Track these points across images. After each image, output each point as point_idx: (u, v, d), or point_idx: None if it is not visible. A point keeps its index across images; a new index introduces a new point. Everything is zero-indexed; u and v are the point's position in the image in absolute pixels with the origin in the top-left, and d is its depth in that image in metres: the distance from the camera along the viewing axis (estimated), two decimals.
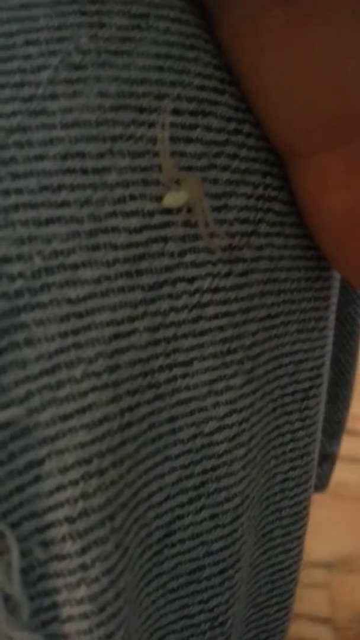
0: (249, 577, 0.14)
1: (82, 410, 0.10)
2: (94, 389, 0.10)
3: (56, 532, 0.09)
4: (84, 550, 0.10)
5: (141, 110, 0.11)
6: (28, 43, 0.10)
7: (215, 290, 0.11)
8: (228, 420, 0.12)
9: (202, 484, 0.12)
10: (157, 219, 0.11)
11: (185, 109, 0.11)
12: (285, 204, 0.12)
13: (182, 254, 0.11)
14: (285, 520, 0.14)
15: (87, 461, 0.10)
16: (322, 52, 0.10)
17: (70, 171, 0.10)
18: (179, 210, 0.11)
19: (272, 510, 0.14)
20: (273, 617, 0.15)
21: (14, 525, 0.09)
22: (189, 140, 0.11)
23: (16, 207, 0.09)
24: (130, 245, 0.10)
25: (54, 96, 0.10)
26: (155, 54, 0.11)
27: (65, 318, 0.10)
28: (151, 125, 0.11)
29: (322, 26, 0.10)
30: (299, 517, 0.14)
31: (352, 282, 0.13)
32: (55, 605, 0.10)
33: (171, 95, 0.11)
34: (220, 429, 0.12)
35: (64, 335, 0.10)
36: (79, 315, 0.10)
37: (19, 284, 0.09)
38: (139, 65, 0.11)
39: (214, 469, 0.12)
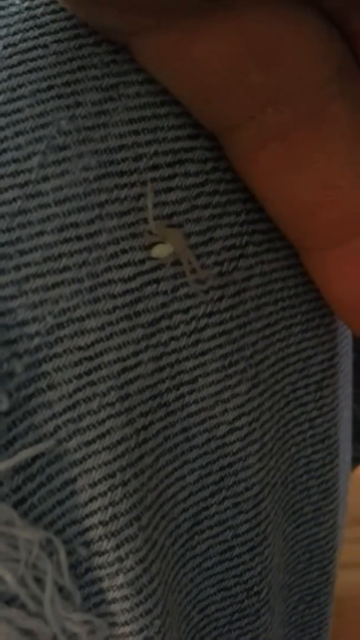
0: (284, 550, 0.16)
1: (102, 436, 0.12)
2: (110, 416, 0.12)
3: (94, 534, 0.12)
4: (118, 546, 0.12)
5: (122, 174, 0.13)
6: (17, 134, 0.12)
7: (210, 314, 0.13)
8: (238, 423, 0.14)
9: (222, 479, 0.14)
10: (148, 264, 0.13)
11: (162, 162, 0.13)
12: (270, 221, 0.14)
13: (174, 289, 0.13)
14: (314, 497, 0.16)
15: (112, 475, 0.12)
16: (317, 175, 0.12)
17: (67, 240, 0.12)
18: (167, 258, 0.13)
19: (300, 490, 0.16)
20: (315, 581, 0.17)
21: (59, 531, 0.12)
22: (169, 190, 0.13)
23: (27, 278, 0.12)
24: (126, 292, 0.13)
25: (45, 178, 0.12)
26: (128, 119, 0.13)
27: (78, 363, 0.12)
28: (133, 185, 0.13)
29: (316, 153, 0.12)
30: (329, 493, 0.16)
31: None
32: (101, 591, 0.12)
33: (147, 154, 0.13)
34: (231, 431, 0.14)
35: (79, 377, 0.12)
36: (90, 359, 0.12)
37: (37, 341, 0.12)
38: (115, 134, 0.13)
39: (230, 465, 0.14)
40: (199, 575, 0.14)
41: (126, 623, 0.12)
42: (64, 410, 0.12)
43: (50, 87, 0.13)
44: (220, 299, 0.14)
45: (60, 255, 0.12)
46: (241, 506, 0.14)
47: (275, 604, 0.16)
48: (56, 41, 0.13)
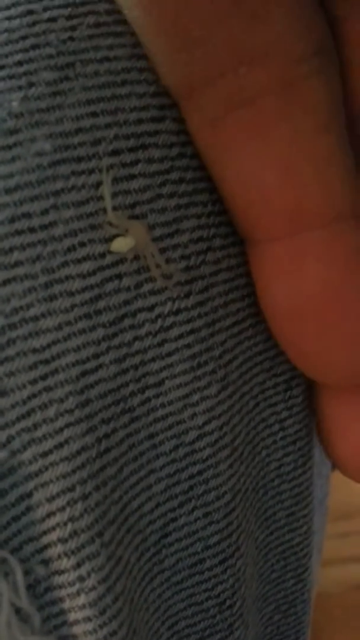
0: (257, 559, 0.16)
1: (59, 446, 0.12)
2: (68, 424, 0.12)
3: (52, 552, 0.11)
4: (78, 565, 0.12)
5: (79, 159, 0.12)
6: None
7: (177, 311, 0.13)
8: (208, 428, 0.13)
9: (191, 487, 0.13)
10: (109, 259, 0.12)
11: (123, 147, 0.12)
12: None
13: (138, 285, 0.12)
14: (287, 502, 0.16)
15: (71, 489, 0.12)
16: (278, 152, 0.12)
17: (19, 232, 0.11)
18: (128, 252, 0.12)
19: (272, 495, 0.15)
20: (291, 590, 0.17)
21: (15, 550, 0.11)
22: (131, 177, 0.12)
23: None
24: (85, 288, 0.12)
25: None
26: (86, 100, 0.12)
27: (33, 366, 0.11)
28: (91, 172, 0.12)
29: (282, 126, 0.11)
30: (302, 497, 0.16)
31: (293, 361, 0.14)
32: (62, 612, 0.12)
33: (107, 137, 0.12)
34: (200, 436, 0.13)
35: (33, 382, 0.11)
36: (46, 362, 0.11)
37: None
38: (72, 116, 0.12)
39: (200, 473, 0.13)
40: (167, 590, 0.14)
41: None
42: (18, 419, 0.11)
43: (0, 67, 0.12)
44: (188, 295, 0.13)
45: (11, 249, 0.11)
46: (212, 516, 0.14)
47: (249, 616, 0.15)
48: (7, 18, 0.12)
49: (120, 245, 0.12)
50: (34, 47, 0.12)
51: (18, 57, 0.12)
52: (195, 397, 0.13)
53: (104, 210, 0.12)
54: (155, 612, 0.14)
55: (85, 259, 0.12)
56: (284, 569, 0.17)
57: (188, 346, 0.13)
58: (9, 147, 0.12)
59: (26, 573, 0.11)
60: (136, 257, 0.12)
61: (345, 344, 0.13)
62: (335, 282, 0.12)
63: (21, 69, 0.12)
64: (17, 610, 0.11)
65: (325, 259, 0.12)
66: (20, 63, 0.12)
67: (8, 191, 0.11)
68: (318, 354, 0.13)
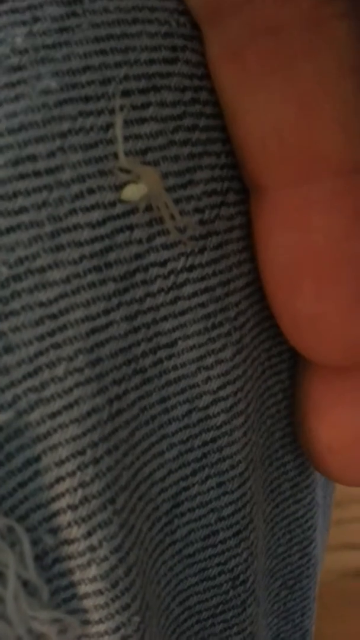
0: (265, 532, 0.15)
1: (69, 406, 0.11)
2: (78, 384, 0.11)
3: (62, 520, 0.11)
4: (89, 533, 0.11)
5: (87, 99, 0.11)
6: None
7: (191, 268, 0.12)
8: (222, 393, 0.13)
9: (204, 455, 0.13)
10: (120, 208, 0.11)
11: (134, 88, 0.12)
12: None
13: (150, 238, 0.12)
14: (291, 473, 0.15)
15: (81, 452, 0.11)
16: (300, 87, 0.11)
17: (23, 176, 0.11)
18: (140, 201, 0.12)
19: (277, 466, 0.15)
20: (297, 564, 0.16)
21: (21, 518, 0.11)
22: (142, 121, 0.12)
23: None
24: (94, 239, 0.11)
25: None
26: (94, 38, 0.11)
27: (39, 321, 0.11)
28: (100, 113, 0.11)
29: (303, 63, 0.11)
30: (304, 468, 0.15)
31: (283, 329, 0.13)
32: (71, 585, 0.11)
33: (117, 77, 0.11)
34: (215, 401, 0.13)
35: (40, 338, 0.11)
36: (53, 317, 0.11)
37: None
38: (79, 53, 0.11)
39: (214, 440, 0.13)
40: (179, 564, 0.13)
41: (100, 621, 0.11)
42: (24, 377, 0.11)
43: (2, 0, 0.11)
44: (202, 251, 0.12)
45: (15, 194, 0.11)
46: (226, 486, 0.13)
47: (260, 593, 0.15)
48: None
49: (133, 192, 0.11)
50: None
51: None
52: (210, 360, 0.13)
53: (114, 154, 0.11)
54: (166, 586, 0.13)
55: (94, 207, 0.11)
56: (289, 542, 0.16)
57: (202, 305, 0.12)
58: (13, 85, 0.11)
59: (33, 543, 0.11)
60: (148, 208, 0.12)
61: (340, 310, 0.12)
62: (341, 239, 0.12)
63: (25, 3, 0.11)
64: (24, 583, 0.11)
65: (333, 212, 0.12)
66: None
67: (11, 131, 0.11)
68: (311, 320, 0.12)
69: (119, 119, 0.11)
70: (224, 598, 0.14)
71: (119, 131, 0.11)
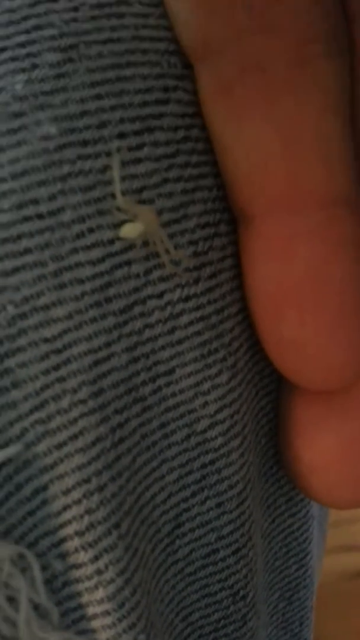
0: (263, 547, 0.16)
1: (74, 437, 0.12)
2: (82, 415, 0.12)
3: (69, 545, 0.12)
4: (96, 558, 0.12)
5: (85, 143, 0.12)
6: None
7: (187, 298, 0.13)
8: (219, 416, 0.13)
9: (203, 477, 0.13)
10: (118, 245, 0.12)
11: (129, 130, 0.12)
12: None
13: (147, 272, 0.12)
14: (285, 488, 0.16)
15: (87, 480, 0.12)
16: (284, 123, 0.12)
17: (27, 219, 0.11)
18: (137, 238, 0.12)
19: (272, 482, 0.16)
20: (294, 576, 0.17)
21: (31, 545, 0.11)
22: (137, 161, 0.12)
23: None
24: (95, 276, 0.12)
25: (0, 149, 0.11)
26: (90, 83, 0.12)
27: (45, 357, 0.11)
28: (98, 155, 0.12)
29: (287, 100, 0.12)
30: None
31: (268, 353, 0.13)
32: (80, 606, 0.12)
33: (113, 120, 0.12)
34: (212, 425, 0.13)
35: (46, 372, 0.11)
36: (58, 352, 0.11)
37: None
38: (76, 98, 0.12)
39: (212, 462, 0.13)
40: (181, 582, 0.14)
41: None
42: (31, 411, 0.11)
43: (2, 50, 0.12)
44: (197, 281, 0.13)
45: (19, 236, 0.11)
46: (225, 506, 0.14)
47: (260, 606, 0.16)
48: None
49: (130, 230, 0.12)
50: (36, 28, 0.12)
51: (21, 38, 0.12)
52: (206, 385, 0.13)
53: (112, 195, 0.12)
54: (169, 603, 0.14)
55: (94, 245, 0.12)
56: (286, 555, 0.17)
57: (198, 333, 0.13)
58: (14, 131, 0.11)
59: (43, 568, 0.11)
60: (145, 244, 0.12)
61: (322, 336, 0.13)
62: (321, 269, 0.12)
63: (24, 51, 0.12)
64: (35, 606, 0.11)
65: (316, 243, 0.12)
66: (22, 45, 0.12)
67: (14, 176, 0.11)
68: (295, 346, 0.13)
69: (115, 162, 0.12)
70: (225, 613, 0.14)
71: (116, 173, 0.12)
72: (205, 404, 0.13)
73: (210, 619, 0.14)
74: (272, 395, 0.15)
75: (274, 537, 0.16)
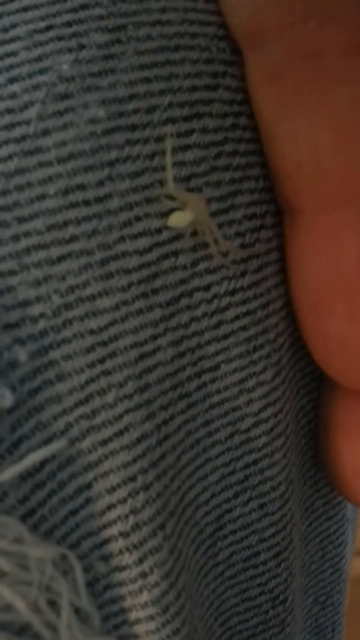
0: (300, 550, 0.15)
1: (119, 433, 0.11)
2: (128, 411, 0.11)
3: (113, 547, 0.11)
4: (141, 560, 0.11)
5: (134, 128, 0.11)
6: (11, 81, 0.11)
7: (233, 292, 0.12)
8: (263, 415, 0.13)
9: (246, 477, 0.13)
10: (165, 234, 0.12)
11: (178, 116, 0.12)
12: None
13: (194, 264, 0.12)
14: (323, 490, 0.15)
15: (132, 479, 0.11)
16: (336, 112, 0.11)
17: (73, 205, 0.11)
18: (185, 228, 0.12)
19: (310, 485, 0.15)
20: (328, 580, 0.16)
21: (73, 545, 0.11)
22: (186, 148, 0.12)
23: (27, 250, 0.11)
24: (142, 266, 0.11)
25: (45, 132, 0.11)
26: (139, 65, 0.12)
27: (90, 349, 0.11)
28: (146, 141, 0.11)
29: (340, 90, 0.11)
30: None
31: (313, 351, 0.13)
32: (122, 611, 0.11)
33: (162, 105, 0.12)
34: (256, 424, 0.13)
35: (91, 365, 0.11)
36: (103, 344, 0.11)
37: (42, 324, 0.11)
38: (125, 81, 0.11)
39: (255, 462, 0.13)
40: (221, 585, 0.13)
41: None
42: (76, 405, 0.11)
43: (48, 28, 0.11)
44: (243, 274, 0.13)
45: (65, 223, 0.11)
46: (267, 507, 0.13)
47: (297, 611, 0.15)
48: None
49: (179, 219, 0.11)
50: (83, 7, 0.11)
51: (67, 17, 0.11)
52: (251, 383, 0.13)
53: (160, 182, 0.12)
54: (209, 607, 0.13)
55: (141, 234, 0.11)
56: (322, 559, 0.16)
57: (244, 328, 0.13)
58: (61, 113, 0.11)
59: (85, 570, 0.11)
60: (193, 234, 0.12)
61: None
62: None
63: (70, 30, 0.11)
64: (76, 611, 0.11)
65: None
66: (69, 24, 0.11)
67: (61, 160, 0.11)
68: (342, 343, 0.12)
69: (168, 146, 0.11)
70: (263, 618, 0.14)
71: (168, 158, 0.11)
72: (250, 401, 0.13)
73: (249, 624, 0.14)
74: (312, 394, 0.15)
75: (310, 540, 0.16)
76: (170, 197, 0.11)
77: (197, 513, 0.13)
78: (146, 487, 0.11)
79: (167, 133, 0.11)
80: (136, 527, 0.11)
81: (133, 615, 0.11)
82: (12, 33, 0.11)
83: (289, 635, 0.14)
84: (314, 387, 0.15)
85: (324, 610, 0.17)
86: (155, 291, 0.12)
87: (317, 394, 0.15)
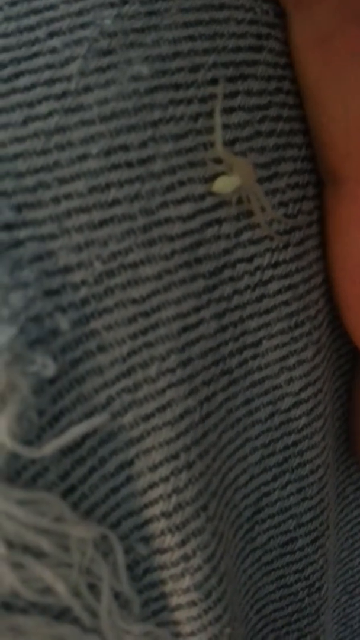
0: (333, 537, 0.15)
1: (162, 408, 0.10)
2: (170, 385, 0.11)
3: (155, 528, 0.10)
4: (183, 542, 0.11)
5: (177, 87, 0.11)
6: (51, 35, 0.10)
7: (276, 264, 0.12)
8: (304, 395, 0.12)
9: (285, 459, 0.12)
10: (209, 201, 0.11)
11: (222, 76, 0.11)
12: None
13: (238, 233, 0.11)
14: (355, 476, 0.15)
15: (175, 456, 0.10)
16: None
17: (115, 167, 0.10)
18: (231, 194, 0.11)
19: (342, 470, 0.15)
20: (357, 569, 0.16)
21: (113, 526, 0.10)
22: (231, 110, 0.11)
23: (69, 213, 0.10)
24: (185, 233, 0.11)
25: (87, 89, 0.10)
26: (183, 22, 0.11)
27: (132, 319, 0.10)
28: (190, 101, 0.11)
29: None
30: None
31: (347, 320, 0.13)
32: (163, 596, 0.11)
33: (206, 64, 0.11)
34: (296, 404, 0.12)
35: (133, 336, 0.10)
36: (146, 315, 0.10)
37: (83, 292, 0.10)
38: (169, 38, 0.11)
39: (295, 444, 0.12)
40: (258, 572, 0.13)
41: (193, 633, 0.11)
42: (117, 378, 0.10)
43: None
44: (286, 246, 0.12)
45: (107, 185, 0.10)
46: (305, 491, 0.13)
47: (330, 600, 0.15)
48: None
49: (225, 184, 0.11)
50: None
51: None
52: (292, 360, 0.12)
53: (204, 145, 0.11)
54: (245, 594, 0.13)
55: (185, 200, 0.11)
56: (352, 547, 0.16)
57: (286, 303, 0.12)
58: (103, 70, 0.10)
59: (125, 552, 0.10)
60: (238, 201, 0.11)
61: None
62: None
63: None
64: (116, 595, 0.10)
65: None
66: None
67: (103, 119, 0.10)
68: None
69: (218, 106, 0.11)
70: (299, 606, 0.13)
71: (218, 118, 0.11)
72: (290, 380, 0.12)
73: (284, 612, 0.13)
74: (346, 376, 0.14)
75: (341, 528, 0.15)
76: (217, 161, 0.11)
77: (237, 495, 0.12)
78: (189, 466, 0.11)
79: (218, 92, 0.11)
80: (179, 507, 0.10)
81: (174, 600, 0.11)
82: None
83: (323, 624, 0.14)
84: (348, 368, 0.14)
85: (352, 599, 0.17)
86: (198, 260, 0.11)
87: (350, 376, 0.14)
